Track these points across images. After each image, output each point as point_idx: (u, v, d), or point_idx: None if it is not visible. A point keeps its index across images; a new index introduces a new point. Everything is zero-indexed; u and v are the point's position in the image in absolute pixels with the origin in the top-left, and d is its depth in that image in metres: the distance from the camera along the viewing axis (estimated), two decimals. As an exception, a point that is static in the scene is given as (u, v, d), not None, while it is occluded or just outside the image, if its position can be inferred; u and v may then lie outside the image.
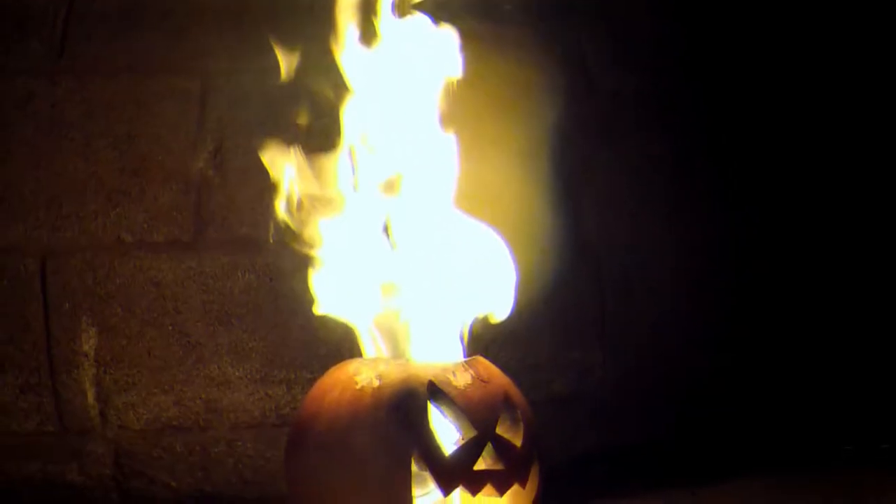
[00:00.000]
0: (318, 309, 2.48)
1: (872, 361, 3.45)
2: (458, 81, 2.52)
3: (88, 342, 2.77)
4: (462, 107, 2.54)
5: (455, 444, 2.29)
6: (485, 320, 2.46)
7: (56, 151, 2.77)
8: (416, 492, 2.28)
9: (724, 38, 3.38)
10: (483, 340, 2.52)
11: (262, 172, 2.69)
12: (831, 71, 3.49)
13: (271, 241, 2.57)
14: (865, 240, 3.50)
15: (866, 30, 3.51)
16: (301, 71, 2.70)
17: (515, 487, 2.33)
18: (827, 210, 3.47)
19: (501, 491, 2.31)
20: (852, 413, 3.39)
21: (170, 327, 2.82)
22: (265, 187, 2.69)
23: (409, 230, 2.48)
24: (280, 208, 2.54)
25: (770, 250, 3.42)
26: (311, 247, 2.49)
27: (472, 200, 2.51)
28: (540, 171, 3.03)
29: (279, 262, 2.83)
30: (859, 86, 3.51)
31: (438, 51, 2.52)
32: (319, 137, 2.63)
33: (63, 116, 2.78)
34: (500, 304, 2.46)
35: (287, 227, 2.53)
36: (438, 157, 2.49)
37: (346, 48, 2.52)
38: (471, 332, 2.46)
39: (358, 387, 2.30)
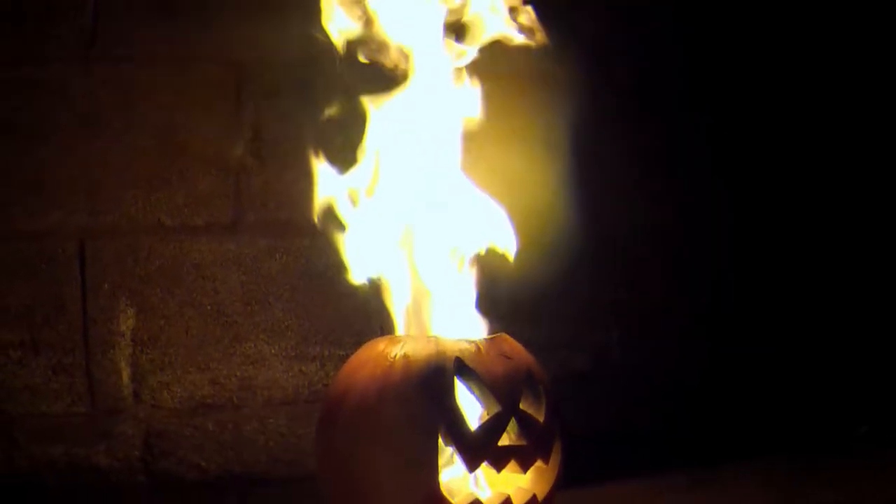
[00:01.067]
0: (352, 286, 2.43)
1: (887, 344, 3.35)
2: (485, 76, 2.48)
3: (126, 322, 2.71)
4: (489, 100, 2.49)
5: (480, 419, 2.22)
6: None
7: (94, 138, 2.71)
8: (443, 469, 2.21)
9: (736, 38, 3.33)
10: (506, 319, 2.43)
11: (299, 159, 2.66)
12: (832, 69, 3.41)
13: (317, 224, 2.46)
14: (876, 225, 3.41)
15: (862, 31, 3.43)
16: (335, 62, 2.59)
17: (538, 464, 2.25)
18: (837, 194, 3.40)
19: (525, 467, 2.23)
20: (867, 394, 3.29)
21: (208, 307, 2.78)
22: (302, 174, 2.63)
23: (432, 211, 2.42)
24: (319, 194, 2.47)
25: (782, 236, 3.36)
26: (345, 229, 2.44)
27: (498, 188, 2.46)
28: (560, 161, 3.00)
29: (315, 244, 2.81)
30: (857, 83, 3.42)
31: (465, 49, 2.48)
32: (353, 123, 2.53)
33: (100, 104, 2.71)
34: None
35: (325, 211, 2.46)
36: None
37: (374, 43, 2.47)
38: (494, 310, 2.41)
39: (388, 363, 2.23)
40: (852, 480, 2.67)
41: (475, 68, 2.47)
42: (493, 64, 2.50)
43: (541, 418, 2.24)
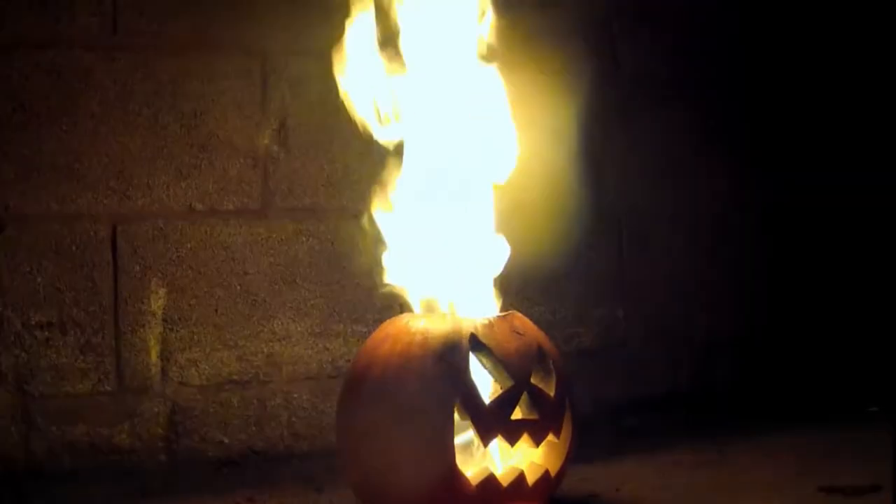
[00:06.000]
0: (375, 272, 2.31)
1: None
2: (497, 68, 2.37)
3: (157, 302, 2.55)
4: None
5: (493, 393, 2.08)
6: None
7: (124, 125, 2.53)
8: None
9: (746, 27, 3.21)
10: (517, 296, 2.25)
11: (324, 148, 2.58)
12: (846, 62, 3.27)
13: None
14: (886, 211, 3.21)
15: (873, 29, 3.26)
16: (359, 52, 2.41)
17: (550, 438, 2.12)
18: (851, 174, 3.22)
19: (537, 441, 2.10)
20: (879, 374, 3.08)
21: (238, 287, 2.62)
22: (327, 161, 2.58)
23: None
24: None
25: (786, 216, 3.23)
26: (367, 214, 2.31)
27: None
28: (568, 146, 2.88)
29: (339, 228, 2.69)
30: (867, 80, 3.26)
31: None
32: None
33: (127, 91, 2.53)
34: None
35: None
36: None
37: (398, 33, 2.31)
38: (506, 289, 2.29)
39: (407, 339, 2.11)
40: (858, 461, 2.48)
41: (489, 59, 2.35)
42: (504, 54, 2.37)
43: (551, 393, 2.13)
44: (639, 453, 2.63)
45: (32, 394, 2.46)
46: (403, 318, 2.18)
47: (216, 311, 2.59)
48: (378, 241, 2.28)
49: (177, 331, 2.56)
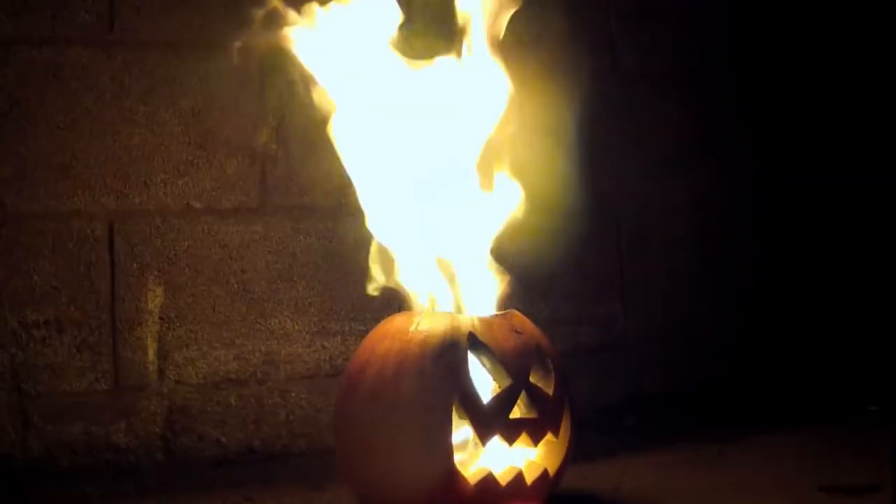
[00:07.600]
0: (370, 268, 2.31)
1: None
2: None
3: (154, 301, 2.54)
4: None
5: (492, 392, 2.08)
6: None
7: (121, 122, 2.53)
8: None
9: (746, 26, 3.21)
10: (516, 295, 2.29)
11: (321, 146, 2.51)
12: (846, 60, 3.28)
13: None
14: (887, 211, 3.21)
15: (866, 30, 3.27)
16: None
17: (549, 437, 2.12)
18: (852, 173, 3.22)
19: (536, 440, 2.10)
20: (879, 374, 3.07)
21: (235, 285, 2.61)
22: (324, 159, 2.51)
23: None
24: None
25: (786, 214, 3.24)
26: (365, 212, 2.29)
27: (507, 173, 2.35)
28: (566, 144, 2.89)
29: (337, 226, 2.69)
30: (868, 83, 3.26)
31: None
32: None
33: (124, 89, 2.52)
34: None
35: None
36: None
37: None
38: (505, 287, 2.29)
39: (405, 338, 2.11)
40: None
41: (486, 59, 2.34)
42: (502, 54, 2.37)
43: (550, 391, 2.13)
44: (638, 452, 2.63)
45: (29, 392, 2.45)
46: (402, 317, 2.18)
47: (214, 309, 2.59)
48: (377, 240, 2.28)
49: (174, 329, 2.56)
